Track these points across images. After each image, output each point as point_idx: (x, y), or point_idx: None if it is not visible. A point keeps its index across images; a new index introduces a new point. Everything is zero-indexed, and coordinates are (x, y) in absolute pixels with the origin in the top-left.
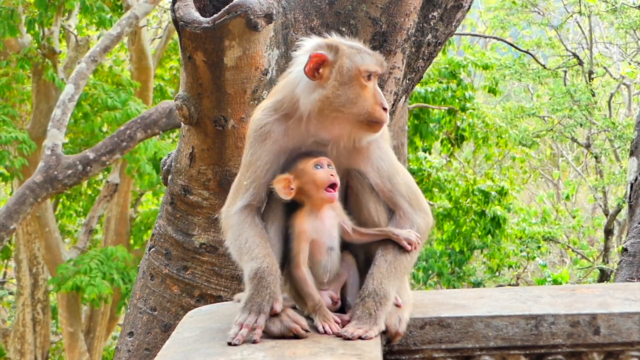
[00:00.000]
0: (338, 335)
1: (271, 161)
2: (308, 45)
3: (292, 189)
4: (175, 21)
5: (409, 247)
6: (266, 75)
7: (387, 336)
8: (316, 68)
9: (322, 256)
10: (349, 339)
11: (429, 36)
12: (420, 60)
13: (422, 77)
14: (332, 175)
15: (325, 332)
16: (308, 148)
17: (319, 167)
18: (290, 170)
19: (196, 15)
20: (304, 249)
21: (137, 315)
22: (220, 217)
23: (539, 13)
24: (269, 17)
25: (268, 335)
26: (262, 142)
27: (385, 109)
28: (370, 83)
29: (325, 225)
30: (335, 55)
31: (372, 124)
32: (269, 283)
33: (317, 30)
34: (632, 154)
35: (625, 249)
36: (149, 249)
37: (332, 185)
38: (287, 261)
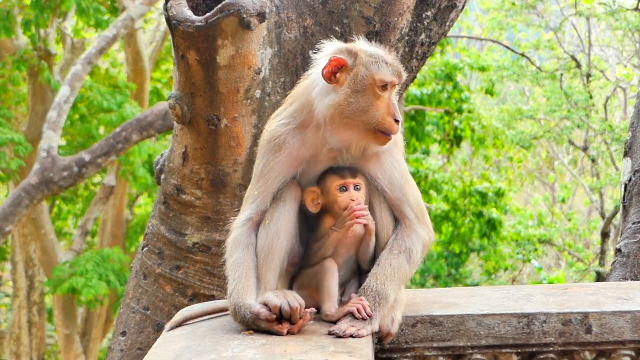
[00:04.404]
0: (330, 333)
1: (284, 172)
2: (329, 48)
3: (318, 203)
4: (168, 20)
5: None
6: (259, 74)
7: (378, 335)
8: (334, 72)
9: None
10: (340, 336)
11: (423, 36)
12: (414, 60)
13: (415, 77)
14: (353, 199)
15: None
16: (327, 158)
17: (344, 189)
18: (319, 184)
19: (189, 14)
20: (330, 245)
21: (130, 314)
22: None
23: (537, 15)
24: (261, 16)
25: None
26: (276, 153)
27: (397, 121)
28: (386, 93)
29: (347, 240)
30: (354, 61)
31: (380, 134)
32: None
33: (310, 30)
34: (626, 154)
35: (619, 250)
36: (142, 248)
37: (357, 215)
38: (303, 256)
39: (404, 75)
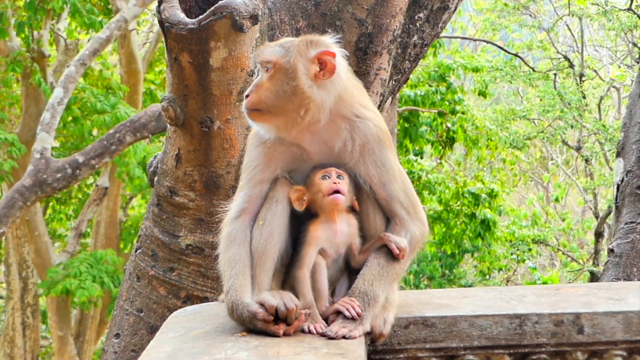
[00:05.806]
0: (322, 335)
1: (269, 164)
2: None
3: (304, 200)
4: (160, 22)
5: (397, 252)
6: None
7: (371, 337)
8: None
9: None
10: (332, 338)
11: (415, 37)
12: (407, 62)
13: (408, 78)
14: (335, 183)
15: (310, 332)
16: (315, 155)
17: (326, 177)
18: (305, 183)
19: (182, 16)
20: (311, 254)
21: (124, 316)
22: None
23: (530, 15)
24: (254, 18)
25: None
26: (260, 145)
27: (247, 96)
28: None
29: (336, 239)
30: None
31: None
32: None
33: (303, 32)
34: (618, 155)
35: (611, 250)
36: (136, 251)
37: (337, 192)
38: (291, 261)
39: (265, 54)
